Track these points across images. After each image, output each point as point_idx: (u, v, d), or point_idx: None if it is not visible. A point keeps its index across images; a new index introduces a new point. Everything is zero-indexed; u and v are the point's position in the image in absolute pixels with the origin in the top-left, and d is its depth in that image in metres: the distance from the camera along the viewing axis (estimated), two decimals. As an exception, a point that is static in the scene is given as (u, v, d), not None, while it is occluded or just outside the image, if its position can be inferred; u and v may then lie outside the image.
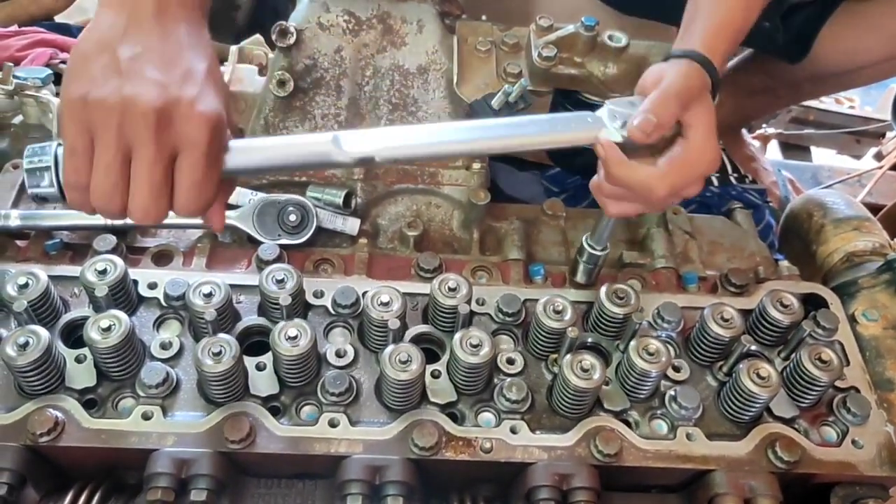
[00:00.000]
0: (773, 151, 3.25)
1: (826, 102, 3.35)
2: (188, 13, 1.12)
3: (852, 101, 3.45)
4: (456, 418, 1.24)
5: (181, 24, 1.10)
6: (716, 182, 1.97)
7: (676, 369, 1.33)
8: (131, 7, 1.07)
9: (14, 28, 2.14)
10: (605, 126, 1.22)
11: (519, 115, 1.38)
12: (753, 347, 1.34)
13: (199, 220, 1.48)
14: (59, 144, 1.07)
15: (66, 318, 1.28)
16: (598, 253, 1.41)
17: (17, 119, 1.77)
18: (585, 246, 1.41)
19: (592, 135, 1.22)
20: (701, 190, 1.30)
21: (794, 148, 3.33)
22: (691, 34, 1.32)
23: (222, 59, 1.85)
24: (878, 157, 3.28)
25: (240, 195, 1.49)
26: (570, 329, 1.25)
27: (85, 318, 1.23)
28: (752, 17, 1.39)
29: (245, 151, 1.14)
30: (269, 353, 1.24)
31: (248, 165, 1.16)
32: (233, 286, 1.32)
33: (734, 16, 1.35)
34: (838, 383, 1.33)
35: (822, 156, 3.39)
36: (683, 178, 1.23)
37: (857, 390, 1.34)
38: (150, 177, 1.03)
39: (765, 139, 3.19)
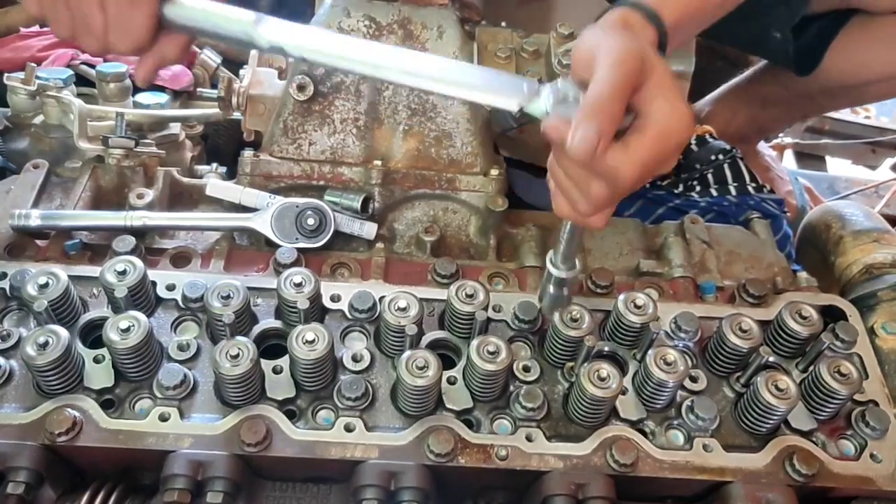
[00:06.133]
0: (789, 161, 3.24)
1: (842, 112, 3.33)
2: None
3: (868, 112, 3.45)
4: (472, 425, 1.24)
5: None
6: (734, 192, 1.96)
7: (693, 379, 1.33)
8: None
9: (35, 28, 2.15)
10: (540, 100, 1.05)
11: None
12: (771, 359, 1.33)
13: (217, 224, 1.49)
14: None
15: (85, 318, 1.29)
16: (565, 275, 1.23)
17: (38, 119, 1.79)
18: (550, 268, 1.22)
19: (518, 103, 1.08)
20: (675, 164, 1.14)
21: (809, 157, 3.32)
22: None
23: (242, 63, 1.86)
24: (896, 168, 3.26)
25: (258, 198, 1.50)
26: (587, 337, 1.25)
27: (104, 319, 1.24)
28: None
29: (180, 6, 1.22)
30: (286, 357, 1.24)
31: (179, 20, 1.23)
32: (250, 289, 1.32)
33: None
34: (857, 396, 1.32)
35: (838, 166, 3.37)
36: (655, 154, 1.05)
37: (876, 404, 1.33)
38: (80, 16, 1.20)
39: (781, 149, 3.18)
